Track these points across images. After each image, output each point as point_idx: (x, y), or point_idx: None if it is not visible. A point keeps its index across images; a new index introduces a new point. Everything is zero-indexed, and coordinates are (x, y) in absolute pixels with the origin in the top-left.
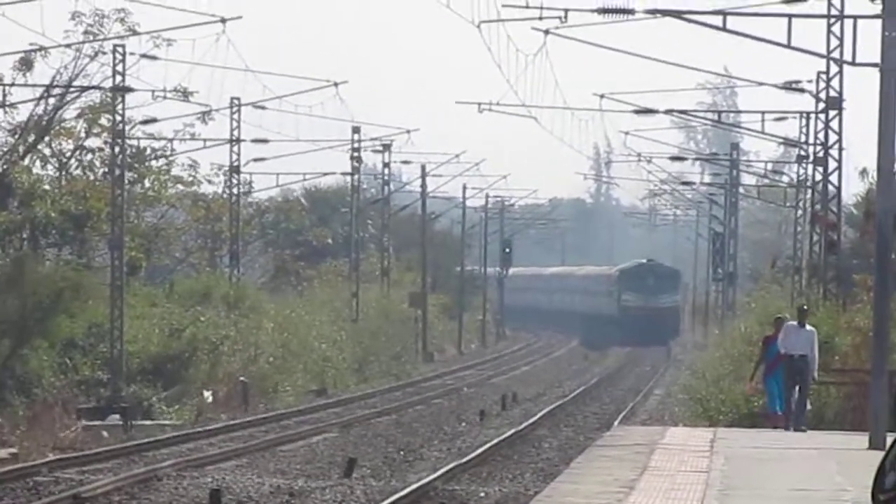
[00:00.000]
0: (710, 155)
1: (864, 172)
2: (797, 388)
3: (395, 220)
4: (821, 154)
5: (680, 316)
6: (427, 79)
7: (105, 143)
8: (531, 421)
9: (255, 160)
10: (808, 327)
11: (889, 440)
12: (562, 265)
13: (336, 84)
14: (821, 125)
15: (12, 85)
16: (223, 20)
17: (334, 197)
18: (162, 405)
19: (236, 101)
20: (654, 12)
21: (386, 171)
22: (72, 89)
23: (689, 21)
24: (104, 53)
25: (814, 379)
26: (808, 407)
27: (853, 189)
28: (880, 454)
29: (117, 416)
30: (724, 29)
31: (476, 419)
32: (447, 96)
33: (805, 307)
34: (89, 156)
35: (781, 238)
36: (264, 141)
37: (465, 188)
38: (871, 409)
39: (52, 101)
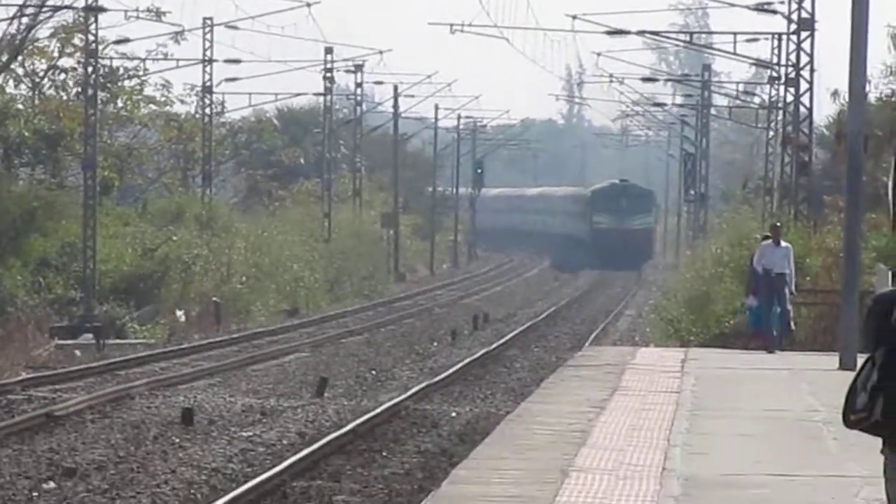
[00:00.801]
0: (682, 76)
1: (835, 94)
2: (777, 306)
3: (367, 140)
4: (792, 75)
5: (653, 239)
6: None
7: (78, 62)
8: (502, 341)
9: (228, 80)
10: (783, 244)
11: (859, 361)
12: (534, 186)
13: (309, 4)
14: (793, 46)
15: None
16: None
17: (307, 117)
18: (134, 324)
19: (209, 21)
20: None
21: (358, 91)
22: (45, 9)
23: None
24: None
25: (792, 293)
26: (793, 327)
27: (825, 110)
28: (850, 374)
29: (90, 335)
30: None
31: (447, 339)
32: (419, 17)
33: (778, 224)
34: (62, 75)
35: (753, 159)
36: (237, 61)
37: (437, 109)
38: (842, 330)
39: (24, 20)
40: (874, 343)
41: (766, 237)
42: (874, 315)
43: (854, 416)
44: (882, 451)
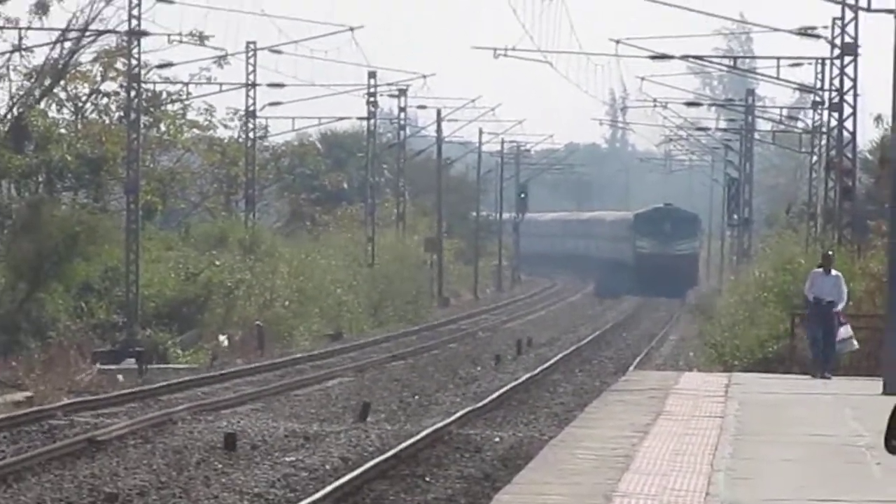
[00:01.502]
0: (726, 101)
1: (879, 118)
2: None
3: (410, 164)
4: (836, 100)
5: (698, 264)
6: (443, 24)
7: (121, 87)
8: (546, 365)
9: (271, 104)
10: (833, 272)
11: None
12: (578, 210)
13: (352, 29)
14: (836, 71)
15: (28, 28)
16: None
17: (350, 141)
18: (177, 349)
19: (252, 46)
20: None
21: (402, 115)
22: (87, 33)
23: None
24: None
25: (840, 321)
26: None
27: (868, 135)
28: (894, 400)
29: (132, 360)
30: None
31: (491, 364)
32: (463, 41)
33: (830, 252)
34: (105, 100)
35: (796, 184)
36: (280, 85)
37: (480, 133)
38: (885, 355)
39: (67, 44)
40: None
41: (828, 255)
42: None
43: None
44: None
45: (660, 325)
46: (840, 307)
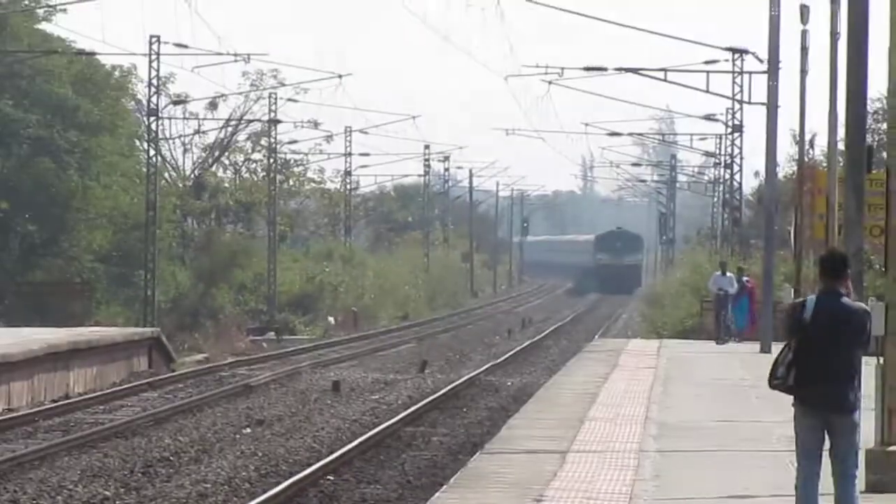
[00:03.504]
0: (657, 162)
1: (757, 173)
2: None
3: (452, 205)
4: (729, 161)
5: (642, 271)
6: (472, 111)
7: (264, 156)
8: (541, 335)
9: (361, 167)
10: (728, 273)
11: (774, 347)
12: (561, 234)
13: (413, 117)
14: (729, 142)
15: (204, 119)
16: (340, 76)
17: (412, 190)
18: (301, 326)
19: (349, 129)
20: (620, 69)
21: (446, 173)
22: (242, 122)
23: (643, 75)
24: (263, 98)
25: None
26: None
27: (751, 184)
28: (769, 356)
29: (272, 333)
30: (665, 80)
31: (505, 334)
32: (485, 123)
33: (724, 261)
34: (254, 165)
35: (704, 216)
36: (367, 154)
37: (497, 184)
38: (762, 327)
39: (229, 129)
40: (789, 334)
41: (723, 262)
42: (789, 316)
43: (775, 382)
44: (792, 405)
45: (616, 308)
46: (731, 292)
